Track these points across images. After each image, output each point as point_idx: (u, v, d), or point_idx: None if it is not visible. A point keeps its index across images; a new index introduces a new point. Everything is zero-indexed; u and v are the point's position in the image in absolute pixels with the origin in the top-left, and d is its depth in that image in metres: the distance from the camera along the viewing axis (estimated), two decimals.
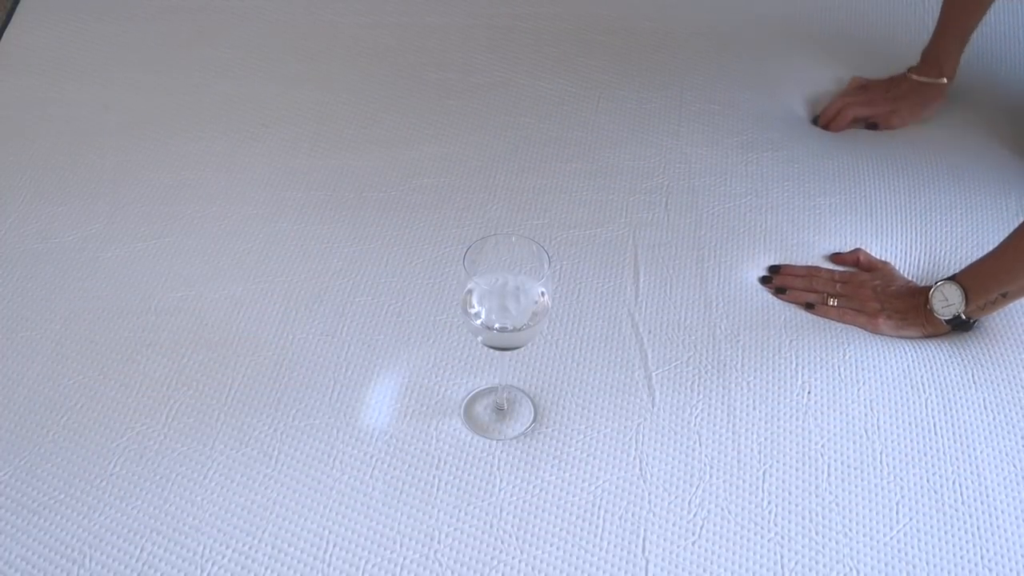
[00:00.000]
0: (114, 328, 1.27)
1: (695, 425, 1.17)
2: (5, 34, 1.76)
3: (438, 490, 1.11)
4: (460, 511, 1.09)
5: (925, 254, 1.40)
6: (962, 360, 1.25)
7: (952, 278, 1.27)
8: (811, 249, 1.40)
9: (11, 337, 1.27)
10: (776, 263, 1.37)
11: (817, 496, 1.11)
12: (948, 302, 1.26)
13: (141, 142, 1.53)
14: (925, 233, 1.43)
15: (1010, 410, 1.20)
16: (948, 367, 1.25)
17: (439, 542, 1.06)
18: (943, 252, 1.40)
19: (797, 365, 1.24)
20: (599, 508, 1.10)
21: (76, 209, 1.44)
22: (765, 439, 1.16)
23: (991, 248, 1.27)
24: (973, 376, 1.24)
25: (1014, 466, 1.15)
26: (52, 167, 1.51)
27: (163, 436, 1.16)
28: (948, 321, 1.27)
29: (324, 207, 1.45)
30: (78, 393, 1.20)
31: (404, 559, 1.05)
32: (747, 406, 1.19)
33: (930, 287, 1.28)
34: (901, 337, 1.29)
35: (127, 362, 1.23)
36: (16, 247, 1.38)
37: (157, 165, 1.51)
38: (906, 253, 1.40)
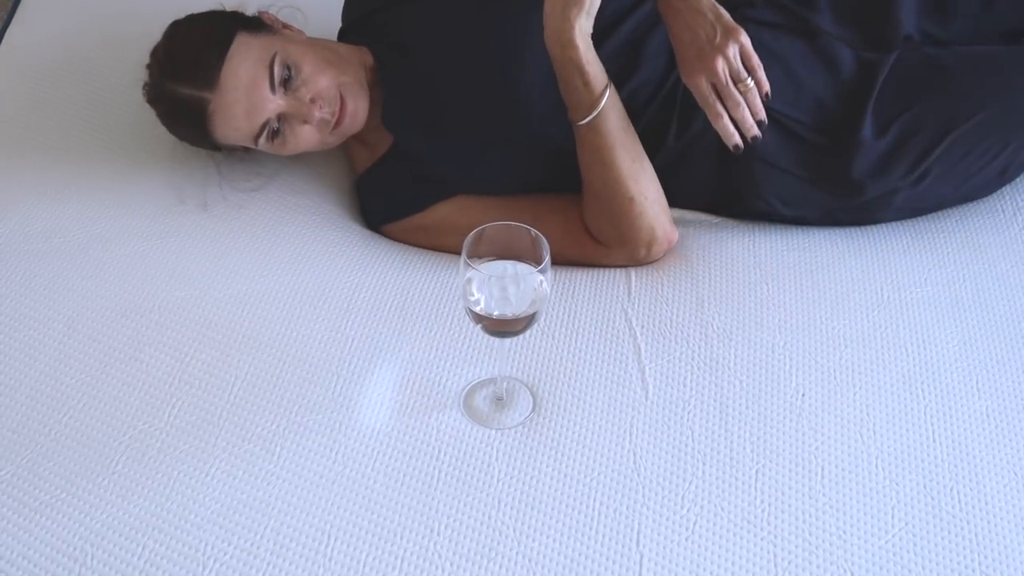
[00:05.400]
0: (117, 327, 1.28)
1: (688, 421, 1.18)
2: (6, 34, 1.76)
3: (438, 481, 1.12)
4: (459, 502, 1.10)
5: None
6: (966, 366, 1.24)
7: None
8: (798, 252, 1.40)
9: (14, 336, 1.27)
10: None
11: (811, 497, 1.11)
12: None
13: (144, 141, 1.53)
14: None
15: (1014, 421, 1.19)
16: (950, 373, 1.23)
17: (438, 534, 1.08)
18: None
19: (791, 367, 1.24)
20: (595, 501, 1.11)
21: (79, 208, 1.44)
22: (758, 439, 1.17)
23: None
24: (977, 383, 1.23)
25: (1015, 474, 1.14)
26: (55, 167, 1.51)
27: (165, 434, 1.17)
28: None
29: (325, 205, 1.47)
30: (81, 391, 1.21)
31: (404, 551, 1.06)
32: (740, 405, 1.20)
33: None
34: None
35: (130, 360, 1.24)
36: (20, 246, 1.39)
37: (160, 164, 1.51)
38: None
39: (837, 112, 1.38)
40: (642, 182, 1.32)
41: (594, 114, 1.28)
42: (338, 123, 1.37)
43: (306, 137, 1.37)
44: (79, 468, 1.14)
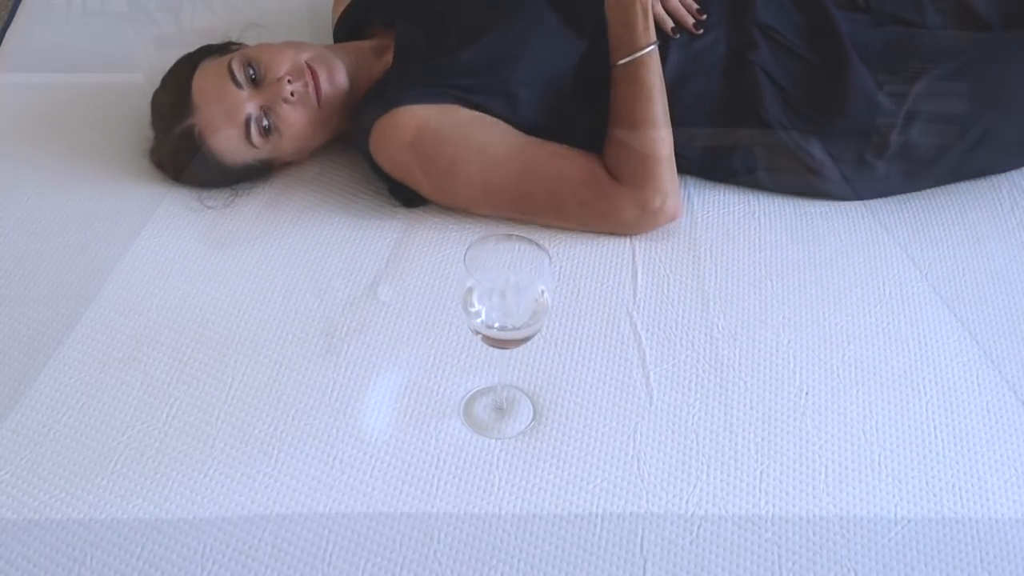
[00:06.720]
0: (116, 326, 1.28)
1: (692, 424, 1.18)
2: (6, 34, 1.76)
3: (437, 490, 1.12)
4: (459, 511, 1.10)
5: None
6: (967, 361, 1.25)
7: None
8: (802, 249, 1.40)
9: (13, 336, 1.27)
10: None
11: (814, 497, 1.11)
12: None
13: (143, 142, 1.53)
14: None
15: (1014, 416, 1.19)
16: (951, 369, 1.24)
17: (439, 542, 1.07)
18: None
19: (795, 366, 1.24)
20: (598, 507, 1.10)
21: (78, 208, 1.45)
22: (762, 439, 1.16)
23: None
24: (978, 379, 1.23)
25: (1015, 470, 1.14)
26: (54, 166, 1.51)
27: (164, 435, 1.16)
28: None
29: (325, 206, 1.46)
30: (79, 391, 1.21)
31: (404, 559, 1.06)
32: (744, 406, 1.20)
33: None
34: None
35: (128, 360, 1.24)
36: (19, 246, 1.39)
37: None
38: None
39: (827, 43, 1.47)
40: (671, 134, 1.37)
41: (648, 48, 1.35)
42: (318, 90, 1.41)
43: (295, 116, 1.41)
44: (78, 468, 1.13)
